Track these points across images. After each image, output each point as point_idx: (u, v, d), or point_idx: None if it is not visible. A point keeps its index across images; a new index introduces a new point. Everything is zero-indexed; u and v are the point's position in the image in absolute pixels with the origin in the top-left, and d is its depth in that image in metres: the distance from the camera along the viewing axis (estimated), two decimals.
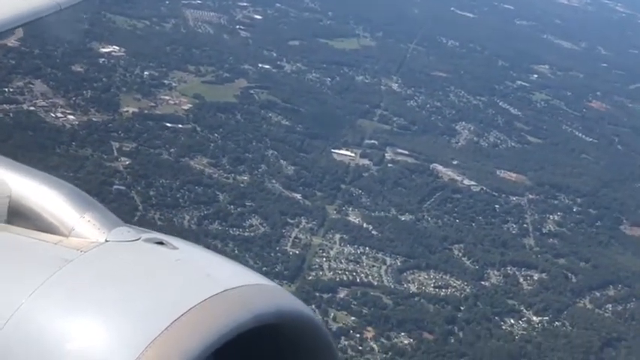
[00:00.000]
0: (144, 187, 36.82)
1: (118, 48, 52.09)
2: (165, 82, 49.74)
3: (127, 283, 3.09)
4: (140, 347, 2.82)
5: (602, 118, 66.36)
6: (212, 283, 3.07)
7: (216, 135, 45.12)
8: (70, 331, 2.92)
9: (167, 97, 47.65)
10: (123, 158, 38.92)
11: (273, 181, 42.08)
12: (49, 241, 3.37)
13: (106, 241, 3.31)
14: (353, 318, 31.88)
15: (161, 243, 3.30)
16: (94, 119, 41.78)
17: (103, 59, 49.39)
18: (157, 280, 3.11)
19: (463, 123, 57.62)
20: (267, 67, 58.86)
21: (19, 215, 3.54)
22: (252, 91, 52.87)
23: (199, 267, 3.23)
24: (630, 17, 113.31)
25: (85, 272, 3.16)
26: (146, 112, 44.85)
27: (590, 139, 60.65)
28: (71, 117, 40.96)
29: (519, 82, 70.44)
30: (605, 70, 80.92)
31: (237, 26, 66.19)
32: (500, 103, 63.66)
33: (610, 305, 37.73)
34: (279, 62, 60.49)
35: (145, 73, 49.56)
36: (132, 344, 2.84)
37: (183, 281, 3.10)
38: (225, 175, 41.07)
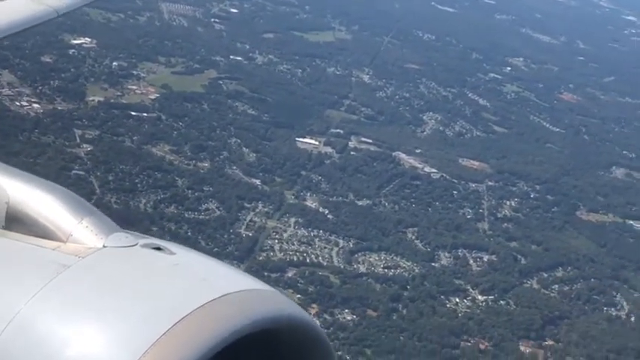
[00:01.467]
0: (103, 172, 37.90)
1: (89, 40, 53.15)
2: (134, 72, 50.81)
3: (125, 288, 3.10)
4: (139, 352, 2.83)
5: (572, 109, 67.35)
6: (210, 288, 3.09)
7: (180, 123, 46.21)
8: (69, 336, 2.94)
9: (134, 87, 48.73)
10: (85, 145, 39.98)
11: (234, 167, 43.15)
12: (47, 246, 3.37)
13: (104, 246, 3.34)
14: (298, 296, 32.94)
15: (159, 248, 3.32)
16: (59, 108, 42.88)
17: (73, 50, 50.44)
18: (155, 285, 3.12)
19: (430, 113, 58.67)
20: (238, 58, 59.96)
21: (17, 221, 3.55)
22: (220, 82, 53.93)
23: (197, 272, 3.25)
24: (614, 12, 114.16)
25: (83, 278, 3.16)
26: (112, 101, 45.92)
27: (557, 130, 61.71)
28: (36, 106, 42.05)
29: (492, 75, 71.49)
30: (580, 64, 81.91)
31: (213, 19, 67.28)
32: (470, 95, 64.71)
33: (557, 286, 38.77)
34: (251, 54, 61.57)
35: (114, 63, 50.63)
36: (130, 349, 2.85)
37: (181, 286, 3.12)
38: (186, 161, 42.12)
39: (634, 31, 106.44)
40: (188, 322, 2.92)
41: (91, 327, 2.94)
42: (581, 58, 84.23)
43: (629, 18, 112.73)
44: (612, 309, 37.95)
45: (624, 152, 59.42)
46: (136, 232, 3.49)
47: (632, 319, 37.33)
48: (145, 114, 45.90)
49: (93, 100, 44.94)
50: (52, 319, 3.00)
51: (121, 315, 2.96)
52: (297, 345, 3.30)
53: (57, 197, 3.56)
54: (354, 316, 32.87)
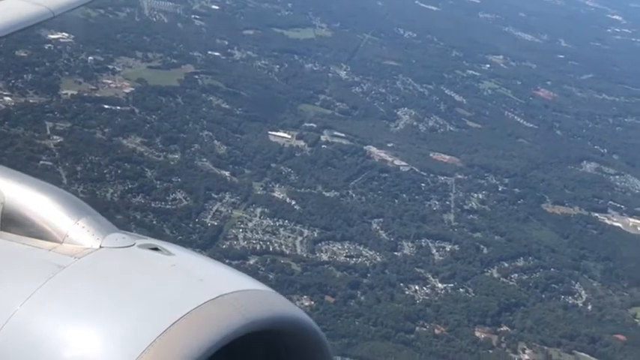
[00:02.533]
0: (71, 163, 38.66)
1: (66, 35, 53.82)
2: (110, 67, 51.56)
3: (121, 289, 3.09)
4: (136, 353, 2.83)
5: (547, 105, 68.21)
6: (207, 288, 3.09)
7: (153, 117, 47.00)
8: (65, 337, 2.93)
9: (109, 81, 49.49)
10: (55, 137, 40.74)
11: (204, 159, 43.95)
12: (43, 247, 3.36)
13: (100, 247, 3.34)
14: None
15: (156, 249, 3.32)
16: (30, 101, 43.62)
17: (49, 45, 51.17)
18: (152, 285, 3.13)
19: (405, 109, 59.48)
20: (216, 54, 60.74)
21: (13, 222, 3.54)
22: (196, 77, 54.71)
23: (194, 272, 3.25)
24: (599, 12, 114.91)
25: (80, 278, 3.16)
26: (85, 94, 46.68)
27: (530, 125, 62.56)
28: (8, 98, 42.79)
29: (470, 72, 72.30)
30: (560, 61, 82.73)
31: (193, 16, 68.03)
32: (446, 91, 65.53)
33: (516, 275, 39.62)
34: (229, 50, 62.35)
35: (90, 58, 51.38)
36: (127, 350, 2.84)
37: (179, 287, 3.12)
38: (156, 153, 42.91)
39: (618, 30, 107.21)
40: (185, 322, 2.92)
41: (87, 328, 2.94)
42: (561, 56, 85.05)
43: (614, 17, 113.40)
44: (569, 297, 38.82)
45: (596, 147, 60.30)
46: (132, 232, 3.51)
47: (589, 307, 38.19)
48: (118, 107, 46.67)
49: (66, 94, 45.70)
50: (48, 320, 2.99)
51: (118, 316, 2.96)
52: (295, 345, 3.29)
53: (53, 198, 3.54)
54: (312, 302, 33.71)
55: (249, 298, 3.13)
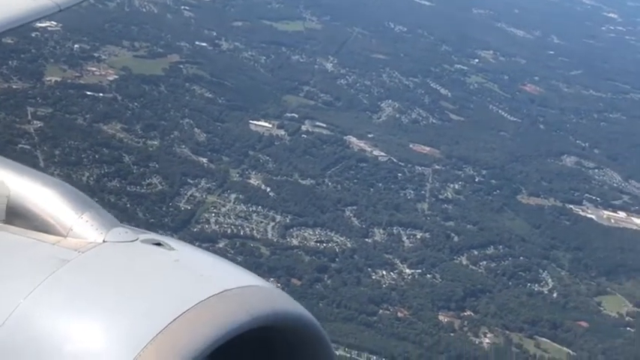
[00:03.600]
0: (50, 147, 39.49)
1: (55, 23, 54.54)
2: (96, 55, 52.38)
3: (124, 283, 3.11)
4: (138, 347, 2.86)
5: (533, 100, 68.75)
6: (210, 284, 3.11)
7: (135, 104, 47.79)
8: (68, 331, 2.96)
9: (94, 69, 50.31)
10: (36, 122, 41.56)
11: (183, 146, 44.74)
12: (47, 241, 3.39)
13: (104, 241, 3.36)
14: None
15: (159, 244, 3.35)
16: (14, 87, 44.46)
17: (36, 33, 51.95)
18: (155, 280, 3.15)
19: (389, 101, 60.15)
20: (203, 44, 61.52)
21: (18, 215, 3.57)
22: (181, 66, 55.47)
23: (197, 268, 3.28)
24: (595, 9, 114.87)
25: (83, 272, 3.18)
26: (69, 81, 47.49)
27: (514, 119, 63.18)
28: None
29: (458, 66, 72.84)
30: (550, 57, 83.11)
31: (183, 7, 68.75)
32: (432, 84, 66.13)
33: (485, 262, 40.34)
34: (217, 41, 63.12)
35: (76, 46, 52.18)
36: (130, 344, 2.87)
37: (181, 282, 3.14)
38: (135, 139, 43.72)
39: (612, 28, 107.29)
40: (188, 317, 2.94)
41: (90, 322, 2.96)
42: (552, 52, 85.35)
43: (610, 15, 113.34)
44: (536, 285, 39.52)
45: (577, 142, 60.89)
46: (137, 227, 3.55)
47: (554, 294, 38.89)
48: (101, 94, 47.48)
49: (50, 80, 46.51)
50: (52, 313, 3.01)
51: (121, 310, 2.98)
52: (297, 342, 3.32)
53: (57, 191, 3.56)
54: (278, 284, 34.40)
55: (252, 294, 3.15)
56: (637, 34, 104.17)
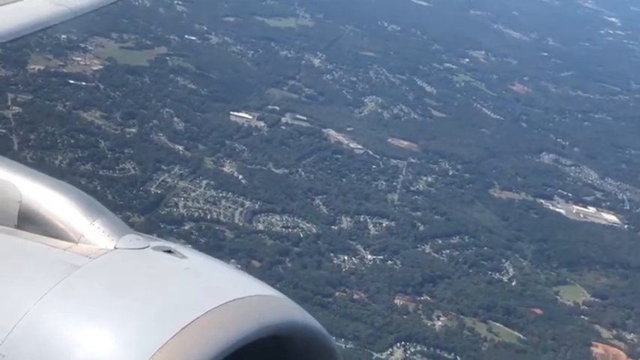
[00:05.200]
0: (26, 132, 40.75)
1: None
2: (82, 45, 53.66)
3: (135, 290, 3.13)
4: (147, 354, 2.87)
5: (519, 99, 69.54)
6: (220, 292, 3.14)
7: (117, 93, 49.04)
8: (78, 337, 2.96)
9: (79, 59, 51.60)
10: (15, 107, 42.85)
11: (160, 134, 45.93)
12: (59, 247, 3.42)
13: (115, 248, 3.40)
14: (189, 245, 35.58)
15: (170, 251, 3.37)
16: None
17: None
18: (165, 288, 3.17)
19: (373, 97, 61.13)
20: (192, 38, 62.74)
21: (29, 220, 3.60)
22: (167, 58, 56.73)
23: (207, 276, 3.32)
24: (596, 13, 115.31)
25: (94, 279, 3.21)
26: (53, 70, 48.78)
27: (497, 117, 64.00)
28: None
29: (447, 65, 73.73)
30: (543, 59, 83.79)
31: (176, 1, 70.02)
32: (418, 82, 67.06)
33: (448, 251, 41.26)
34: (207, 35, 64.32)
35: (63, 36, 53.44)
36: (139, 352, 2.89)
37: (192, 290, 3.16)
38: (113, 127, 44.93)
39: (611, 32, 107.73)
40: (197, 325, 2.96)
41: (100, 328, 2.97)
42: (546, 54, 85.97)
43: (611, 19, 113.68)
44: (496, 274, 40.41)
45: (558, 140, 61.64)
46: (147, 234, 3.60)
47: (513, 283, 39.78)
48: (84, 83, 48.76)
49: (33, 69, 47.80)
50: (62, 319, 3.02)
51: (131, 317, 2.99)
52: (305, 352, 3.34)
53: (70, 197, 3.61)
54: (238, 265, 35.46)
55: (261, 304, 3.18)
56: (636, 39, 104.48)
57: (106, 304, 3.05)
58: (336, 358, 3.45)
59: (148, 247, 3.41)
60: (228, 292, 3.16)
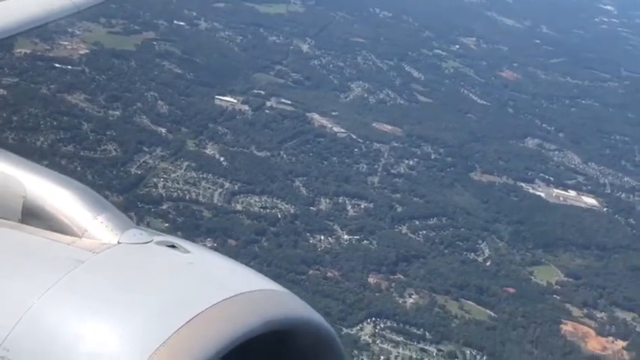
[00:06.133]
0: (9, 113, 41.35)
1: None
2: (70, 30, 54.15)
3: (138, 285, 3.13)
4: (151, 349, 2.89)
5: (507, 85, 69.81)
6: (223, 287, 3.14)
7: (102, 77, 49.60)
8: (82, 331, 2.97)
9: (66, 43, 52.15)
10: None
11: (144, 117, 46.50)
12: (62, 241, 3.42)
13: (119, 242, 3.40)
14: (166, 225, 36.28)
15: (173, 246, 3.38)
16: None
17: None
18: (169, 282, 3.17)
19: (360, 82, 61.58)
20: (181, 24, 63.22)
21: (33, 215, 3.60)
22: (155, 43, 57.24)
23: (211, 271, 3.32)
24: (592, 1, 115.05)
25: (98, 273, 3.21)
26: (39, 54, 49.34)
27: (483, 102, 64.38)
28: None
29: (437, 51, 74.02)
30: (534, 46, 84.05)
31: None
32: (407, 68, 67.47)
33: (425, 231, 41.81)
34: (196, 21, 64.82)
35: None
36: (143, 346, 2.90)
37: (195, 284, 3.17)
38: (97, 109, 45.51)
39: (605, 20, 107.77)
40: (201, 320, 2.97)
41: (104, 323, 2.98)
42: (538, 41, 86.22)
43: (607, 7, 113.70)
44: (471, 254, 40.97)
45: (544, 125, 62.03)
46: (150, 228, 3.61)
47: (488, 263, 40.35)
48: (69, 66, 49.32)
49: (20, 52, 48.35)
50: (65, 313, 3.03)
51: (134, 311, 3.00)
52: (309, 347, 3.35)
53: (73, 192, 3.61)
54: (215, 244, 36.11)
55: (265, 298, 3.18)
56: (630, 27, 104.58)
57: (110, 299, 3.07)
58: (340, 353, 3.45)
59: (152, 241, 3.42)
60: (231, 287, 3.16)
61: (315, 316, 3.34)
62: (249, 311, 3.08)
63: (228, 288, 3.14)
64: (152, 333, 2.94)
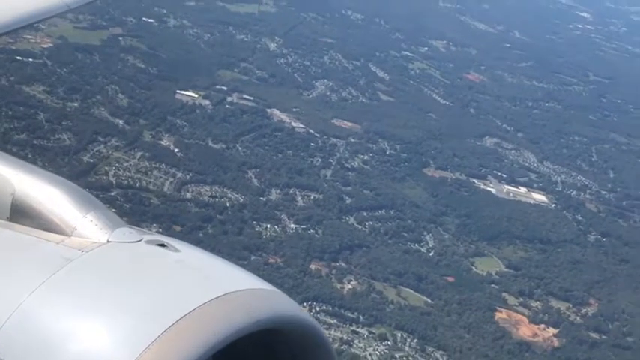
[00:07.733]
0: None
1: None
2: (34, 25, 54.98)
3: (128, 283, 3.17)
4: (140, 347, 2.92)
5: (472, 87, 70.98)
6: (213, 286, 3.18)
7: (64, 70, 50.49)
8: (71, 330, 3.00)
9: (30, 37, 52.95)
10: None
11: (102, 108, 47.40)
12: (52, 240, 3.42)
13: (108, 241, 3.42)
14: (114, 210, 37.13)
15: (163, 245, 3.44)
16: None
17: None
18: (158, 281, 3.22)
19: (324, 80, 62.63)
20: (150, 20, 64.14)
21: (22, 213, 3.60)
22: (120, 38, 58.19)
23: (200, 269, 3.36)
24: (570, 8, 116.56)
25: (87, 272, 3.24)
26: (1, 46, 50.12)
27: (446, 102, 65.54)
28: None
29: (405, 53, 75.11)
30: (504, 50, 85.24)
31: None
32: (372, 68, 68.57)
33: (371, 222, 42.81)
34: (165, 18, 65.75)
35: None
36: (132, 344, 2.93)
37: (184, 283, 3.21)
38: (56, 101, 46.38)
39: (580, 26, 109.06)
40: (191, 318, 2.98)
41: (93, 321, 2.99)
42: (508, 45, 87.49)
43: (583, 15, 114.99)
44: (415, 244, 41.99)
45: (503, 125, 63.21)
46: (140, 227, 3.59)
47: (431, 253, 41.37)
48: (31, 59, 50.20)
49: None
50: (55, 312, 3.03)
51: (124, 310, 3.01)
52: (298, 345, 3.40)
53: (63, 191, 3.64)
54: (160, 230, 37.02)
55: (254, 297, 3.24)
56: (604, 33, 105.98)
57: (99, 297, 3.09)
58: (329, 351, 3.51)
59: (141, 240, 3.51)
60: (220, 286, 3.22)
61: (304, 315, 3.45)
62: (238, 310, 3.14)
63: (217, 287, 3.21)
64: (142, 332, 2.98)
